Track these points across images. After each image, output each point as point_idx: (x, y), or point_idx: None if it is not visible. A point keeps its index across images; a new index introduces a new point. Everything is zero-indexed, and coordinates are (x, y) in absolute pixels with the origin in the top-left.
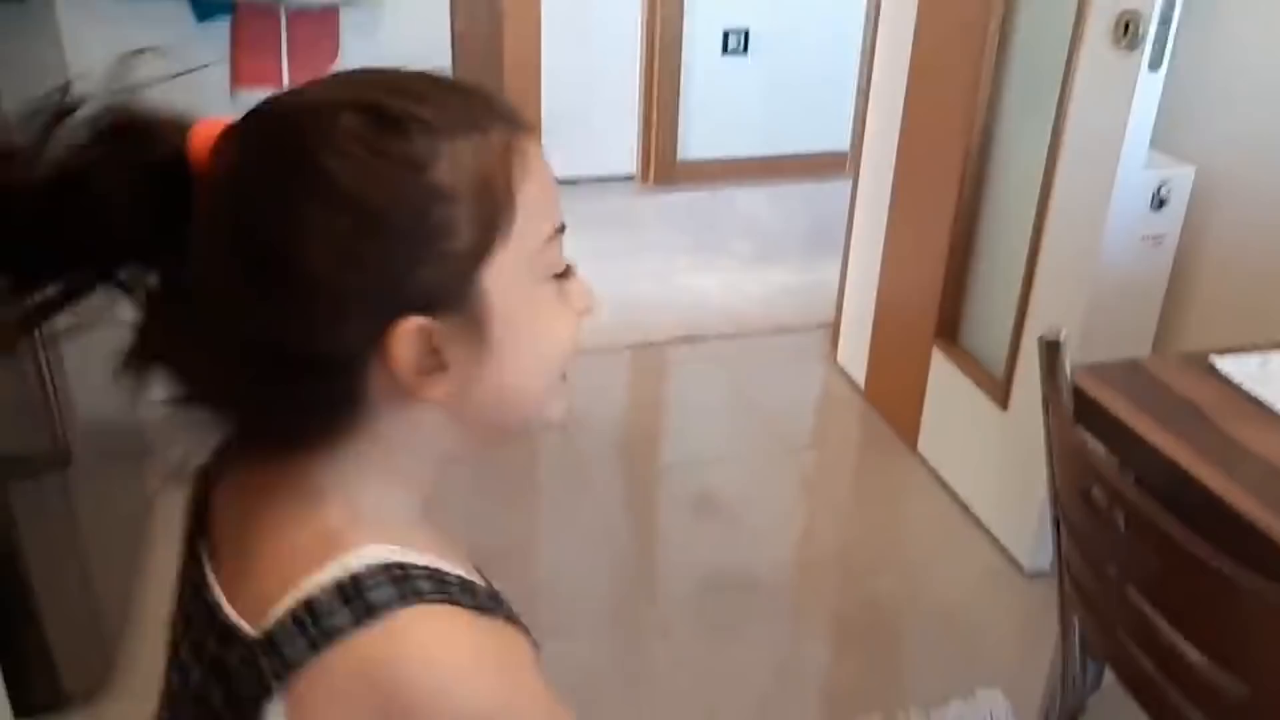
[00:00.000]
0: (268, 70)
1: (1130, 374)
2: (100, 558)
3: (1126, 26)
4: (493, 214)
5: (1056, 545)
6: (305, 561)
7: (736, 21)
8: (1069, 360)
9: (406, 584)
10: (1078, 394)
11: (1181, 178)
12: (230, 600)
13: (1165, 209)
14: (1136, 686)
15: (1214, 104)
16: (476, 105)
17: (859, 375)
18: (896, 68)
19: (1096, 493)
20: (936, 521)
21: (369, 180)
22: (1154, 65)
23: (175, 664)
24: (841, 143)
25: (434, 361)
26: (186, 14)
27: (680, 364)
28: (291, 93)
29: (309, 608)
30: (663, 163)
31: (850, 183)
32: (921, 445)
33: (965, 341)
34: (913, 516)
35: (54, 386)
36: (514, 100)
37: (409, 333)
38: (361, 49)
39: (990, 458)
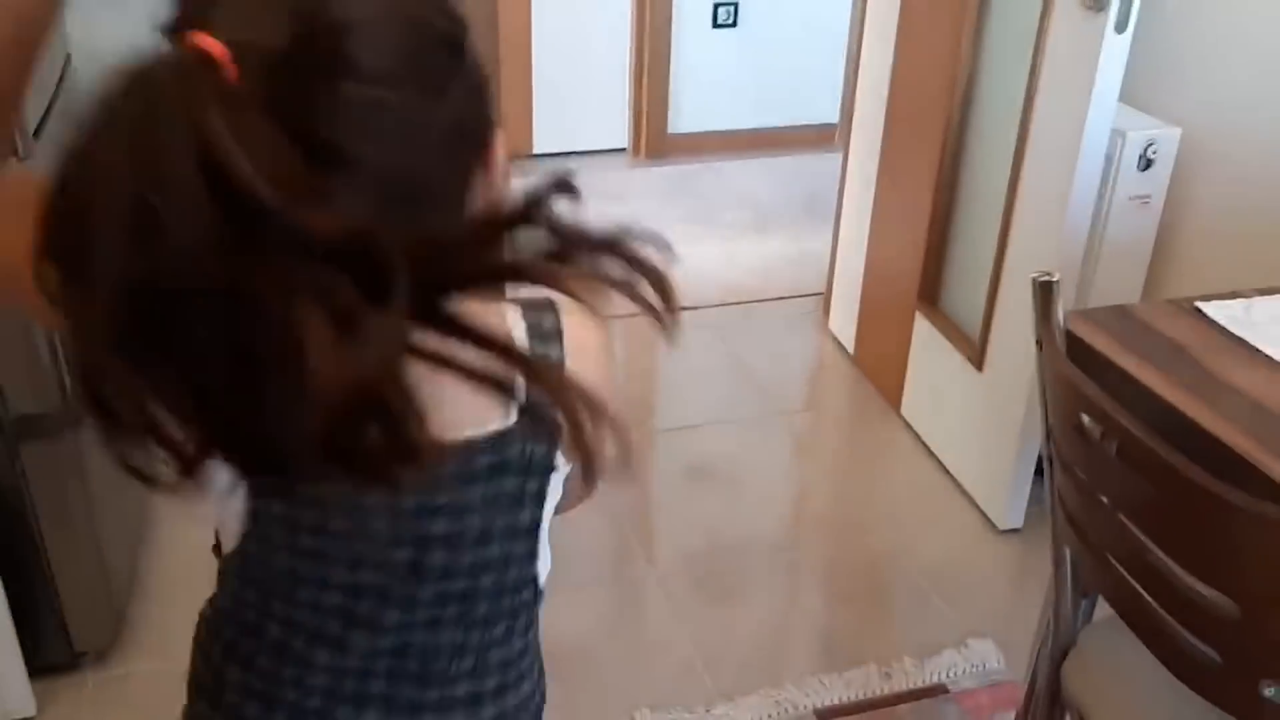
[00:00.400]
0: None
1: (1119, 318)
2: (110, 519)
3: None
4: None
5: (1050, 482)
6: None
7: None
8: (1060, 301)
9: (543, 307)
10: (1069, 337)
11: (1167, 139)
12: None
13: (1152, 169)
14: (1129, 613)
15: (1198, 67)
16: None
17: (849, 341)
18: (883, 40)
19: (1089, 424)
20: (918, 482)
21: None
22: (1120, 27)
23: (437, 546)
24: (832, 115)
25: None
26: None
27: (687, 330)
28: None
29: (535, 340)
30: (654, 136)
31: (840, 154)
32: (904, 408)
33: (945, 306)
34: (897, 477)
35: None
36: (507, 75)
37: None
38: None
39: (966, 418)
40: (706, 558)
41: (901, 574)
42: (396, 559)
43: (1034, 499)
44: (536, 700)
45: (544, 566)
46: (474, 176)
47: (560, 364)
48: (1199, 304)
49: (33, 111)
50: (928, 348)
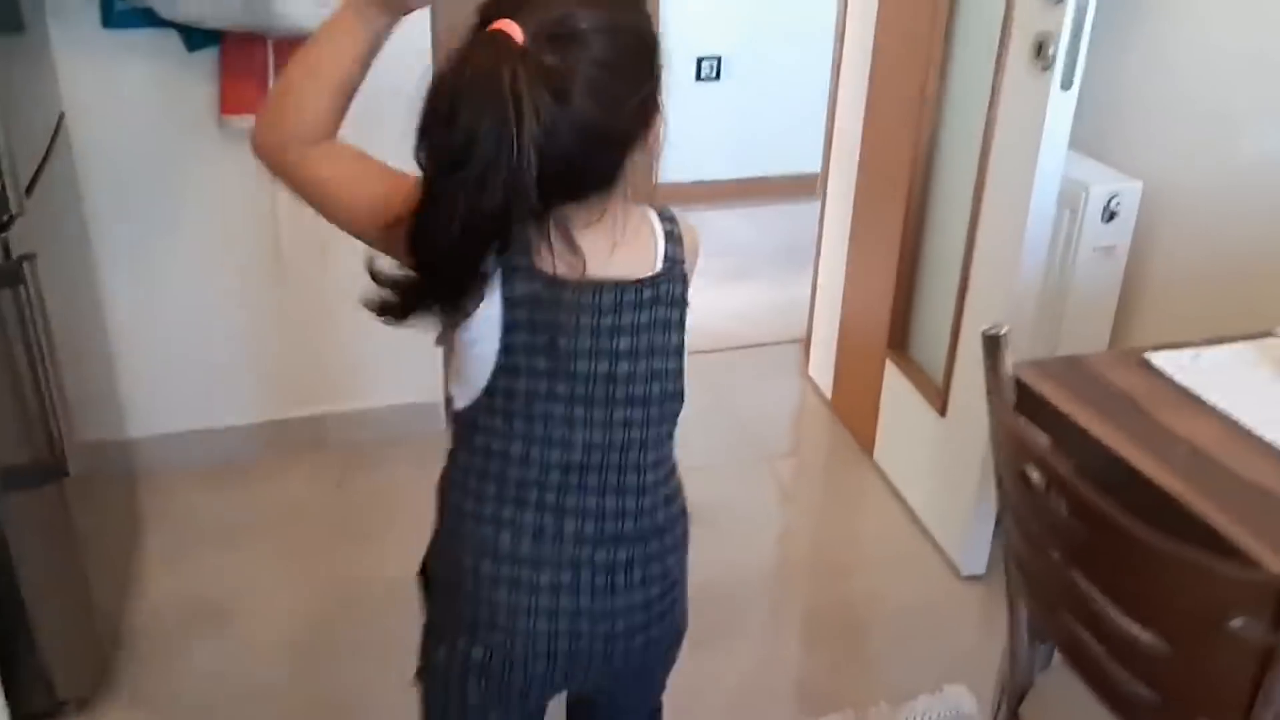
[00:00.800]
0: (253, 99)
1: (1069, 368)
2: (94, 569)
3: (1040, 48)
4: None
5: (1005, 533)
6: (644, 226)
7: (710, 49)
8: (1009, 353)
9: (667, 211)
10: (1021, 387)
11: (1130, 192)
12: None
13: (1115, 221)
14: (1075, 657)
15: (1159, 122)
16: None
17: (827, 386)
18: (857, 93)
19: (1035, 476)
20: (889, 527)
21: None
22: (1065, 85)
23: (612, 393)
24: (814, 164)
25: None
26: (177, 45)
27: None
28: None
29: (667, 236)
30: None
31: (819, 203)
32: (877, 453)
33: (914, 353)
34: (870, 522)
35: (52, 399)
36: None
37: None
38: None
39: (931, 464)
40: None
41: (877, 618)
42: (599, 370)
43: (997, 544)
44: (685, 524)
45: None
46: (642, 136)
47: (681, 239)
48: (1148, 355)
49: (25, 168)
50: (896, 394)
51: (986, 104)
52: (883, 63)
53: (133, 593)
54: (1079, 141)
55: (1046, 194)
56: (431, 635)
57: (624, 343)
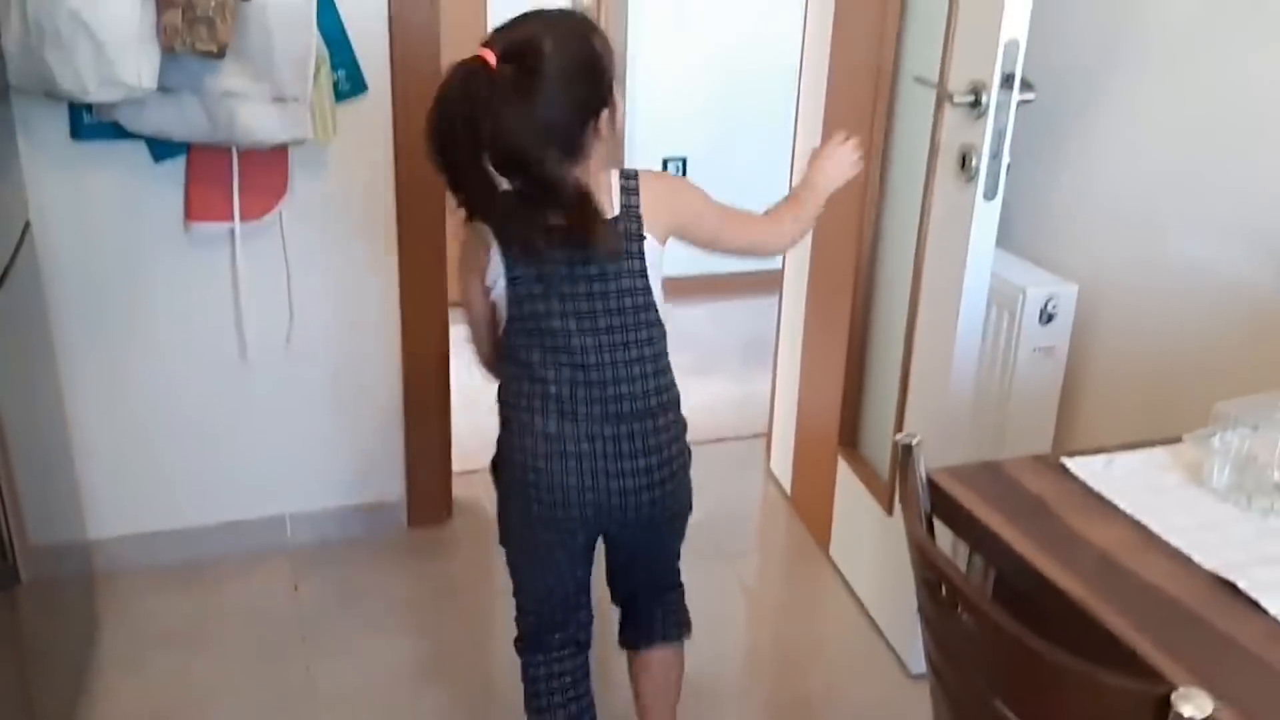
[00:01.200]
0: (219, 206)
1: (985, 473)
2: (45, 678)
3: (965, 160)
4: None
5: (923, 639)
6: (605, 183)
7: (675, 150)
8: (922, 462)
9: (630, 171)
10: (938, 492)
11: (1066, 295)
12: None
13: (1054, 323)
14: None
15: (1091, 227)
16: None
17: (787, 482)
18: None
19: (944, 589)
20: (844, 625)
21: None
22: (988, 195)
23: (585, 321)
24: (774, 262)
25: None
26: (144, 155)
27: None
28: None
29: (624, 190)
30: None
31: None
32: (832, 549)
33: (863, 450)
34: (827, 619)
35: (4, 507)
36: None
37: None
38: (309, 183)
39: (880, 562)
40: None
41: (834, 717)
42: (580, 290)
43: None
44: (679, 423)
45: (659, 300)
46: (594, 122)
47: (637, 190)
48: (1064, 460)
49: None
50: (848, 491)
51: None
52: None
53: (84, 702)
54: (1016, 245)
55: (975, 299)
56: (503, 505)
57: (594, 268)
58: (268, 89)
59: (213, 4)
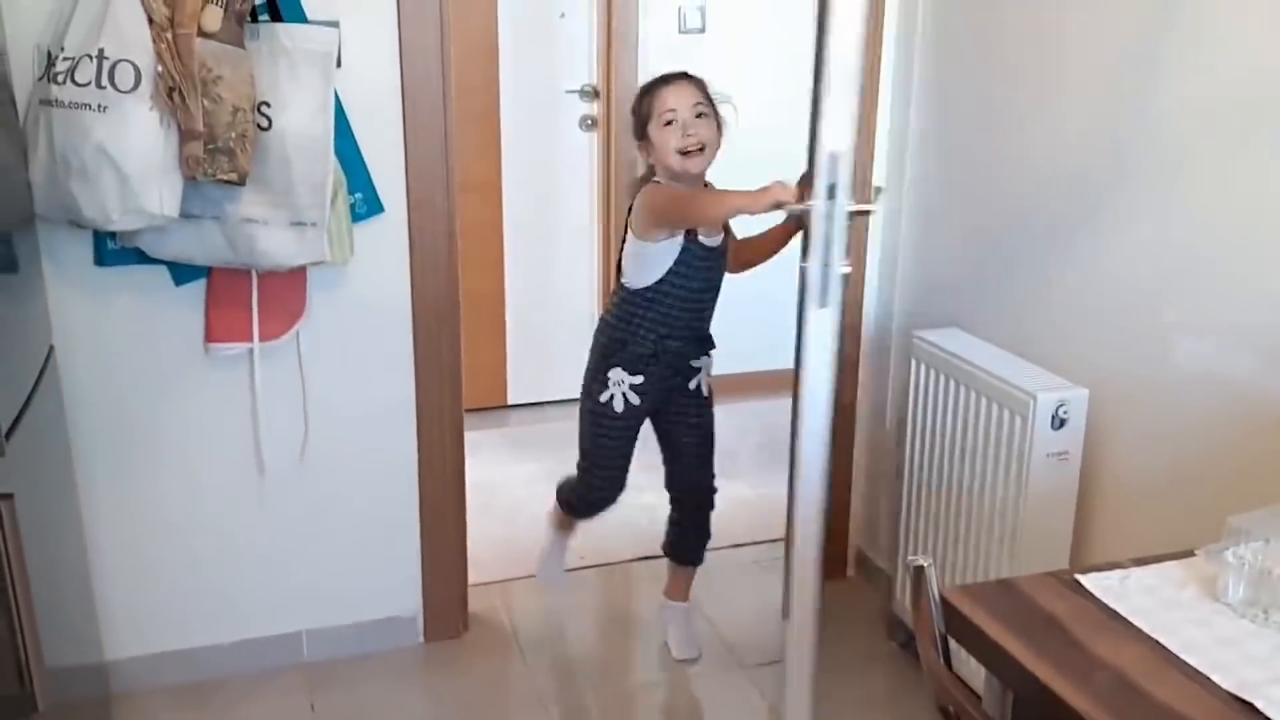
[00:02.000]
0: (239, 327)
1: (1000, 592)
2: None
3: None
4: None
5: None
6: None
7: None
8: (934, 583)
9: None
10: (953, 612)
11: (1077, 399)
12: None
13: (1066, 428)
14: None
15: (1098, 332)
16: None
17: None
18: None
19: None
20: None
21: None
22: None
23: None
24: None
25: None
26: (165, 279)
27: (641, 582)
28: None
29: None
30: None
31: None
32: None
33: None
34: None
35: (23, 632)
36: (481, 332)
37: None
38: (328, 303)
39: None
40: None
41: None
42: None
43: None
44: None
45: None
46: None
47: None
48: (1078, 576)
49: (7, 409)
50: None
51: None
52: None
53: None
54: (1025, 349)
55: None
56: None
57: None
58: (286, 214)
59: (233, 135)
